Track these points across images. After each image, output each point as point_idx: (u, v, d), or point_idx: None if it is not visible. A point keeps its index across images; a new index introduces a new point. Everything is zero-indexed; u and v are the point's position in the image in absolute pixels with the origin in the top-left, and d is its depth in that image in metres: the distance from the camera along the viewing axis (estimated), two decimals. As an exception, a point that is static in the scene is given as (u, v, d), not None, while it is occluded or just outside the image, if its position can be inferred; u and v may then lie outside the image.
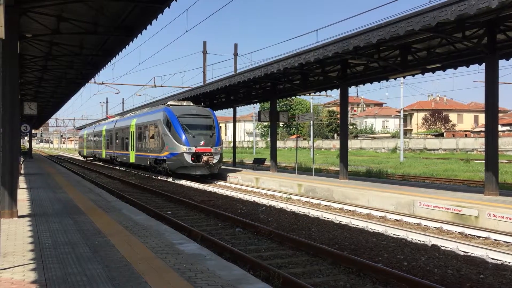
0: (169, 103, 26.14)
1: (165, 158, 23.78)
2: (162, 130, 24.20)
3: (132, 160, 30.72)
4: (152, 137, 26.16)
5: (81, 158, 57.67)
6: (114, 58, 16.14)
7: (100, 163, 42.53)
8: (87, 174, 28.51)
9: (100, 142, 43.00)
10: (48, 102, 33.22)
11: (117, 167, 35.27)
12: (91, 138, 48.88)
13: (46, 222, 8.76)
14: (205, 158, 22.33)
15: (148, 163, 26.97)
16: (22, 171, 23.00)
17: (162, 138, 24.05)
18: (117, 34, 12.71)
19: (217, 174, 23.66)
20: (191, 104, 26.15)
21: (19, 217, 9.23)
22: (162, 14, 10.70)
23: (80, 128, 73.86)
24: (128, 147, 31.87)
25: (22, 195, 12.99)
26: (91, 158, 50.22)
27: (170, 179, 24.06)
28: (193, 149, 22.35)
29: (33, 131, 52.19)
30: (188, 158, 22.30)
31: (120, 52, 15.22)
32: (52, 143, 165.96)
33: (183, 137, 22.66)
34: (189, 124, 23.23)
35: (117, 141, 35.84)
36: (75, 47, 15.23)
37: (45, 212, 10.02)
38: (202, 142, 22.71)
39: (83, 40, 14.68)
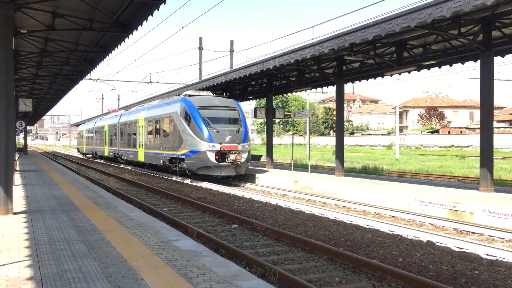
0: (186, 93, 22.83)
1: (183, 156, 20.64)
2: (179, 124, 21.02)
3: (141, 158, 27.48)
4: (166, 132, 22.98)
5: (78, 155, 57.27)
6: (110, 54, 16.06)
7: (102, 161, 40.20)
8: (82, 170, 28.44)
9: (102, 139, 39.89)
10: (43, 98, 33.07)
11: (121, 165, 33.01)
12: (92, 135, 45.41)
13: (42, 219, 8.74)
14: (232, 156, 19.19)
15: (161, 162, 23.68)
16: (17, 168, 22.92)
17: (180, 134, 20.88)
18: (113, 30, 12.65)
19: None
20: (211, 94, 22.84)
21: (15, 213, 9.21)
22: (158, 10, 10.65)
23: (78, 124, 70.64)
24: (135, 143, 28.69)
25: (18, 191, 12.95)
26: (91, 156, 47.41)
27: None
28: (218, 146, 19.24)
29: (28, 127, 51.96)
30: (211, 157, 19.17)
31: (115, 49, 15.14)
32: (47, 139, 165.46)
33: (206, 132, 19.43)
34: (211, 117, 20.00)
35: (122, 137, 32.54)
36: (71, 43, 15.16)
37: (40, 209, 10.00)
38: (227, 138, 19.54)
39: (78, 36, 14.62)
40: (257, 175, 20.45)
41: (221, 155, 19.33)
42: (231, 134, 19.73)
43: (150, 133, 25.91)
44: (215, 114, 20.30)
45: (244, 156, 19.79)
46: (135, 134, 29.02)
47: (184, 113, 20.57)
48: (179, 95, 23.91)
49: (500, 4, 10.72)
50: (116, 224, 8.24)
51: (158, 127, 24.58)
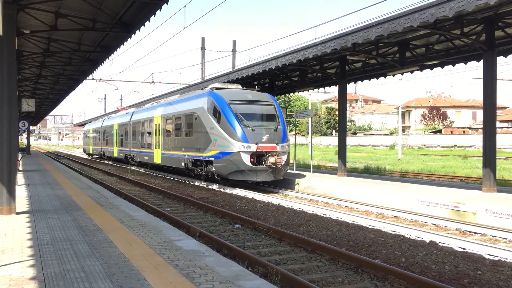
0: (212, 86, 19.96)
1: (211, 158, 17.93)
2: (206, 122, 18.31)
3: (157, 160, 24.81)
4: (190, 131, 20.16)
5: (81, 155, 57.24)
6: (112, 54, 16.10)
7: (110, 162, 37.72)
8: (85, 170, 28.49)
9: (111, 139, 37.19)
10: (46, 98, 33.14)
11: (133, 167, 29.78)
12: (99, 134, 42.62)
13: (45, 219, 8.76)
14: (271, 159, 16.58)
15: (183, 164, 20.98)
16: (20, 168, 22.99)
17: (207, 132, 18.20)
18: (115, 30, 12.67)
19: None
20: (240, 87, 20.01)
21: (18, 213, 9.23)
22: (161, 10, 10.69)
23: (83, 123, 68.57)
24: (150, 144, 26.01)
25: (21, 191, 12.98)
26: (97, 156, 45.11)
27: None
28: (253, 147, 16.65)
29: (31, 127, 52.07)
30: (246, 159, 16.58)
31: (118, 49, 15.17)
32: (50, 139, 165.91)
33: (239, 130, 16.80)
34: (245, 113, 17.40)
35: (134, 137, 29.88)
36: (73, 43, 15.20)
37: (43, 209, 10.02)
38: (264, 138, 16.95)
39: (81, 37, 14.66)
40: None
41: (257, 157, 16.76)
42: (268, 133, 17.19)
43: (168, 132, 23.30)
44: (248, 109, 17.68)
45: (284, 158, 17.21)
46: (150, 133, 26.42)
47: (213, 109, 17.92)
48: (202, 89, 21.54)
49: (503, 3, 10.69)
50: (119, 224, 8.25)
51: (179, 125, 21.79)
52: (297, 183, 17.61)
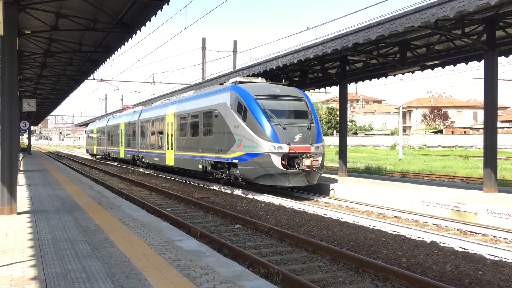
0: (235, 79, 18.04)
1: (235, 160, 16.07)
2: (229, 119, 16.41)
3: (170, 162, 22.99)
4: (209, 129, 18.27)
5: (82, 155, 57.24)
6: (113, 54, 16.11)
7: (115, 163, 36.13)
8: (86, 171, 28.51)
9: (117, 139, 35.48)
10: (47, 98, 33.15)
11: (142, 168, 28.73)
12: (104, 134, 40.78)
13: (46, 219, 8.77)
14: (307, 161, 14.68)
15: (201, 166, 18.99)
16: (21, 168, 23.01)
17: (230, 131, 16.32)
18: (116, 30, 12.68)
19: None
20: (265, 81, 18.15)
21: (19, 213, 9.25)
22: (161, 11, 10.71)
23: (83, 124, 67.63)
24: (162, 144, 24.35)
25: (22, 191, 12.99)
26: (101, 157, 43.66)
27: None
28: (285, 148, 14.79)
29: (32, 127, 52.05)
30: (276, 162, 14.70)
31: (119, 49, 15.18)
32: (51, 139, 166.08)
33: (268, 128, 14.96)
34: (274, 110, 15.56)
35: (143, 136, 28.29)
36: (74, 43, 15.21)
37: (44, 209, 10.03)
38: (297, 137, 15.12)
39: (82, 37, 14.67)
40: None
41: (289, 159, 14.93)
42: (301, 132, 15.34)
43: (183, 131, 21.38)
44: (278, 105, 15.83)
45: (320, 160, 15.38)
46: (161, 133, 24.59)
47: (237, 105, 16.03)
48: (222, 83, 19.76)
49: (504, 3, 10.69)
50: (120, 224, 8.26)
51: (195, 123, 19.84)
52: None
